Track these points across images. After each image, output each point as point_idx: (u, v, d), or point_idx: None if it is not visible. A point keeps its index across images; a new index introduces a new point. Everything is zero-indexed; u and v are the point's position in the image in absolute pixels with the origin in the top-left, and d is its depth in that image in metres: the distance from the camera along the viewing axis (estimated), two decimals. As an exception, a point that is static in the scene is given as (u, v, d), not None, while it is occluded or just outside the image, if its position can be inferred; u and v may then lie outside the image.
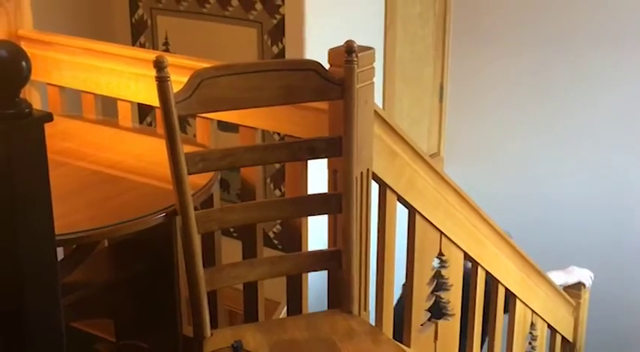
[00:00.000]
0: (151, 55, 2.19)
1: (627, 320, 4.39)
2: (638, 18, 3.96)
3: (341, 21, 3.69)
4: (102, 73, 2.75)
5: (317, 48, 3.19)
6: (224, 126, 2.64)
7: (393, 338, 2.62)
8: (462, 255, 2.82)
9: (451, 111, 4.56)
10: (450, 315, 2.88)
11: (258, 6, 4.29)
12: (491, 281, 3.05)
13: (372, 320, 2.52)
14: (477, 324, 3.01)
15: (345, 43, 2.09)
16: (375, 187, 2.41)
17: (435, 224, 2.66)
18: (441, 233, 2.71)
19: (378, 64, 2.44)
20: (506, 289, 3.11)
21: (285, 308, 2.56)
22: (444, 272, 2.78)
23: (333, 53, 2.20)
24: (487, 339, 3.29)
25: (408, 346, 2.70)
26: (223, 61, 2.15)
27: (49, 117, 1.53)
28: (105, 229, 2.10)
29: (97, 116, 2.86)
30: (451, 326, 2.88)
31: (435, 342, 2.85)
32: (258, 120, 2.44)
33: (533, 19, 4.23)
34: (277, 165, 4.09)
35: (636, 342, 4.42)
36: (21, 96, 1.50)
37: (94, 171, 2.39)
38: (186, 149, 2.02)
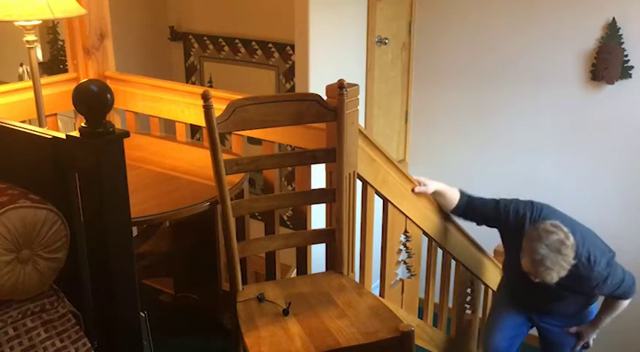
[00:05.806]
0: (199, 89, 2.19)
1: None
2: (547, 65, 3.99)
3: (335, 65, 3.69)
4: (164, 102, 2.75)
5: (317, 84, 3.20)
6: (252, 140, 2.64)
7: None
8: (420, 232, 2.81)
9: (413, 129, 4.57)
10: (413, 275, 2.87)
11: (276, 55, 4.30)
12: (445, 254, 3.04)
13: (357, 279, 2.52)
14: (431, 280, 3.01)
15: (338, 81, 2.09)
16: (359, 184, 2.41)
17: (401, 210, 2.66)
18: (406, 216, 2.70)
19: (361, 96, 2.44)
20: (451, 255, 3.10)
21: (295, 270, 2.56)
22: (408, 244, 2.77)
23: (329, 88, 2.19)
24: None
25: (383, 297, 2.69)
26: (251, 94, 2.15)
27: (126, 134, 1.53)
28: (167, 214, 2.10)
29: (161, 133, 2.87)
30: (413, 283, 2.88)
31: (402, 295, 2.84)
32: (276, 136, 2.43)
33: (473, 64, 4.25)
34: (289, 168, 4.10)
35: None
36: (107, 119, 1.51)
37: (159, 173, 2.39)
38: (224, 157, 2.01)
